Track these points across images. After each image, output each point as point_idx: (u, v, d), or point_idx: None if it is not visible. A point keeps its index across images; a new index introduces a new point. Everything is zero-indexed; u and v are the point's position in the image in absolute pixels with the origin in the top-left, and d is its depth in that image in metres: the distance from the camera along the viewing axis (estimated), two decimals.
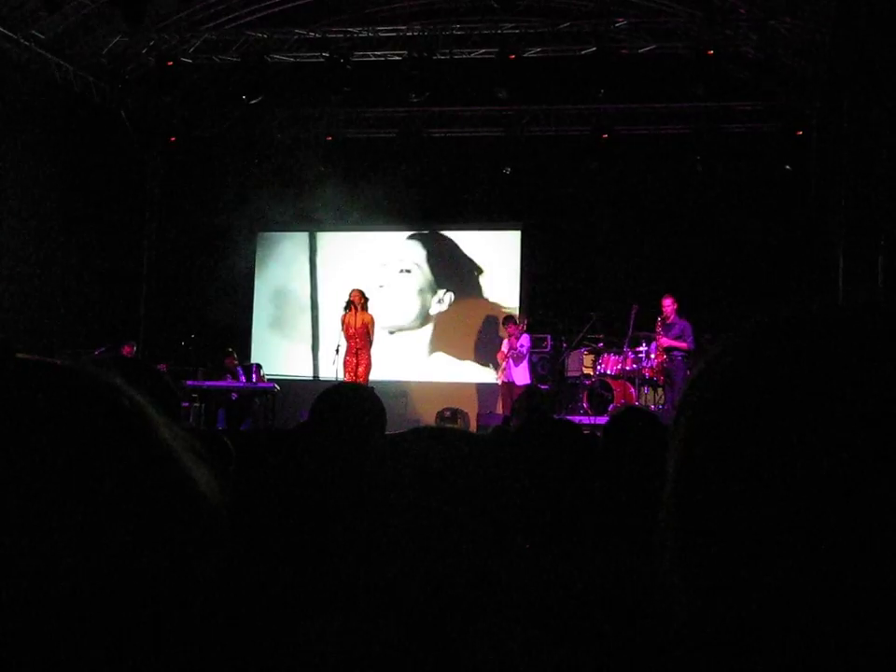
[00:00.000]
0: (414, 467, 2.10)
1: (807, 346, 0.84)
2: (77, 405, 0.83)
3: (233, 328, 19.23)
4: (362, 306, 15.86)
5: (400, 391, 18.68)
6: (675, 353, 15.33)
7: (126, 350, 16.25)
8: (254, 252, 20.09)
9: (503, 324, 17.16)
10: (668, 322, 15.39)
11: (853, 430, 0.78)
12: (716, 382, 0.88)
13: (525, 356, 16.57)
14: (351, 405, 3.20)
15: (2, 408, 0.82)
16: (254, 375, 17.36)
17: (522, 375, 16.49)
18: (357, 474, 2.78)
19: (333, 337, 19.16)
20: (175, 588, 0.83)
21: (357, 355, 15.74)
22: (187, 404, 15.22)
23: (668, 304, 15.39)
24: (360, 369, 15.73)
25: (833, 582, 0.78)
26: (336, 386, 3.75)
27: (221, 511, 0.88)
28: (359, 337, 15.73)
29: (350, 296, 15.97)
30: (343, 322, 15.96)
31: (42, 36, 15.79)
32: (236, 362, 17.43)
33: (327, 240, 20.16)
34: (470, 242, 19.48)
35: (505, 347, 16.80)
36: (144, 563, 0.81)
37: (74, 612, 0.77)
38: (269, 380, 17.50)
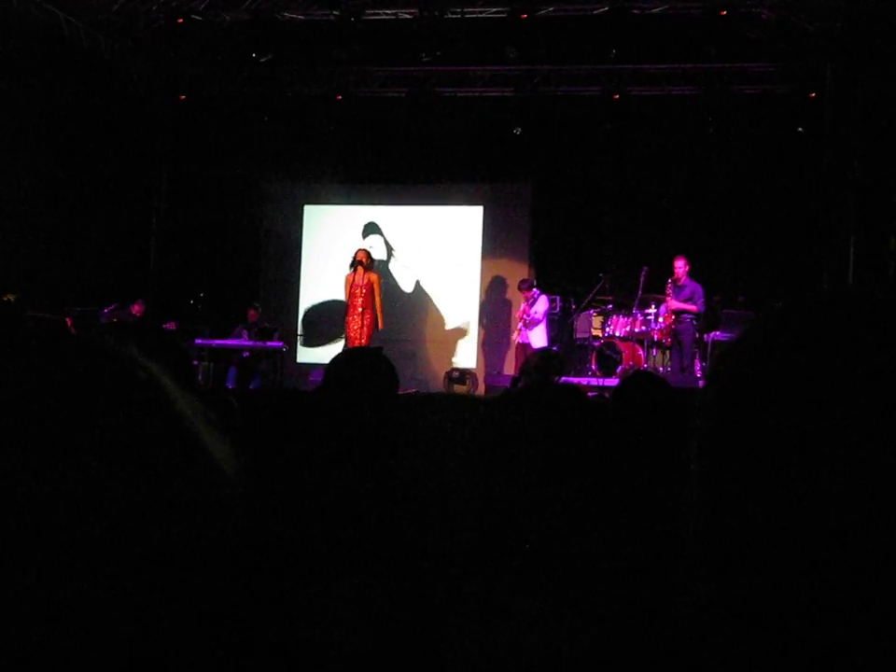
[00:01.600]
0: (428, 431, 2.10)
1: (838, 326, 0.84)
2: (93, 377, 0.83)
3: (243, 283, 19.27)
4: (367, 266, 15.87)
5: (408, 352, 18.69)
6: (684, 315, 15.31)
7: (135, 308, 16.29)
8: (260, 207, 20.04)
9: (518, 287, 17.14)
10: (679, 284, 15.37)
11: (886, 410, 0.78)
12: (746, 358, 0.88)
13: (539, 321, 16.57)
14: (364, 369, 3.21)
15: (16, 377, 0.83)
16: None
17: (539, 338, 16.51)
18: (373, 438, 2.79)
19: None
20: (194, 557, 0.83)
21: (362, 315, 15.76)
22: (196, 363, 15.24)
23: (680, 266, 15.36)
24: (365, 329, 15.75)
25: (865, 566, 0.78)
26: (349, 351, 3.76)
27: (238, 481, 0.89)
28: (364, 296, 15.75)
29: (356, 255, 15.98)
30: (347, 282, 15.97)
31: None
32: (257, 316, 17.42)
33: (329, 196, 20.08)
34: (480, 200, 19.41)
35: (520, 309, 16.83)
36: (162, 534, 0.81)
37: (94, 585, 0.78)
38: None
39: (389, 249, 19.66)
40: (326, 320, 18.88)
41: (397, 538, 2.06)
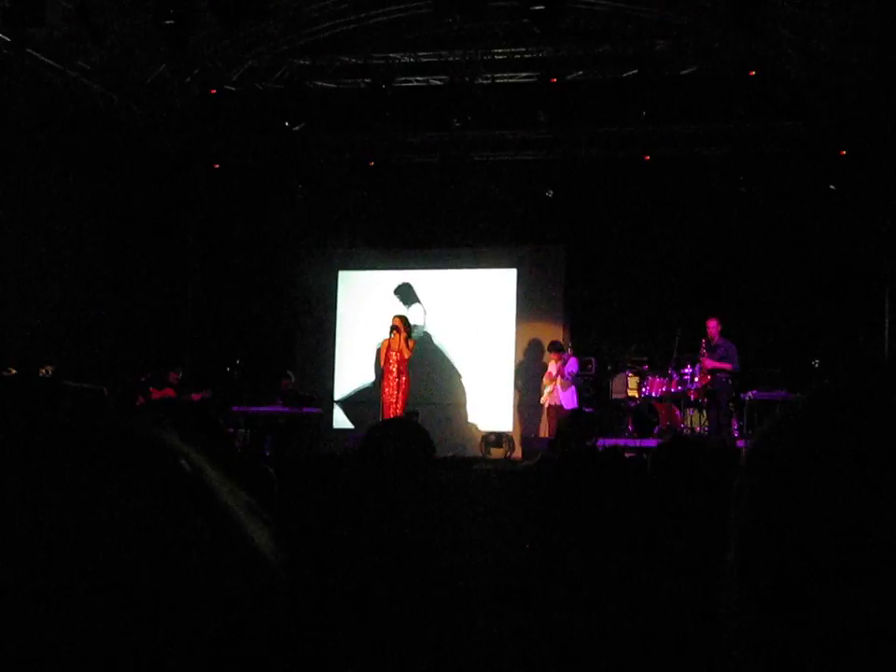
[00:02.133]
0: (465, 504, 2.11)
1: (870, 413, 0.84)
2: (137, 469, 0.84)
3: (279, 349, 19.32)
4: (404, 331, 15.95)
5: (445, 415, 18.69)
6: (719, 374, 15.28)
7: (172, 376, 16.32)
8: (295, 274, 20.13)
9: (549, 349, 17.15)
10: (713, 343, 15.36)
11: None
12: (781, 448, 0.88)
13: (572, 381, 16.57)
14: (400, 441, 3.21)
15: (55, 468, 0.83)
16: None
17: (569, 399, 16.50)
18: (410, 511, 2.79)
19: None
20: (238, 650, 0.83)
21: (397, 379, 15.82)
22: (232, 430, 15.25)
23: (713, 326, 15.37)
24: (401, 394, 15.81)
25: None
26: (386, 422, 3.77)
27: (282, 572, 0.89)
28: (400, 362, 15.83)
29: (393, 321, 16.07)
30: (384, 346, 16.05)
31: (87, 67, 15.95)
32: (291, 384, 17.44)
33: (363, 261, 20.16)
34: (513, 263, 19.44)
35: (553, 370, 16.80)
36: (208, 627, 0.81)
37: None
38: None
39: (424, 313, 19.68)
40: (361, 385, 18.88)
41: (435, 615, 2.06)
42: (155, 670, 0.78)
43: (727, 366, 15.23)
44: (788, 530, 0.84)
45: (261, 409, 16.65)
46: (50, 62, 15.46)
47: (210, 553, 0.83)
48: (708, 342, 15.41)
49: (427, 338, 19.22)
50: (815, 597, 0.81)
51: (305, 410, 16.90)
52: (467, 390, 19.22)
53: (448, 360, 19.48)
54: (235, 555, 0.85)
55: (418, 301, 19.73)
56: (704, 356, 15.40)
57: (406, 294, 19.74)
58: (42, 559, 0.78)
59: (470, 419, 18.90)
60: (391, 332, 16.00)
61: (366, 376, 18.63)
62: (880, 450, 0.81)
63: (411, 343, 16.00)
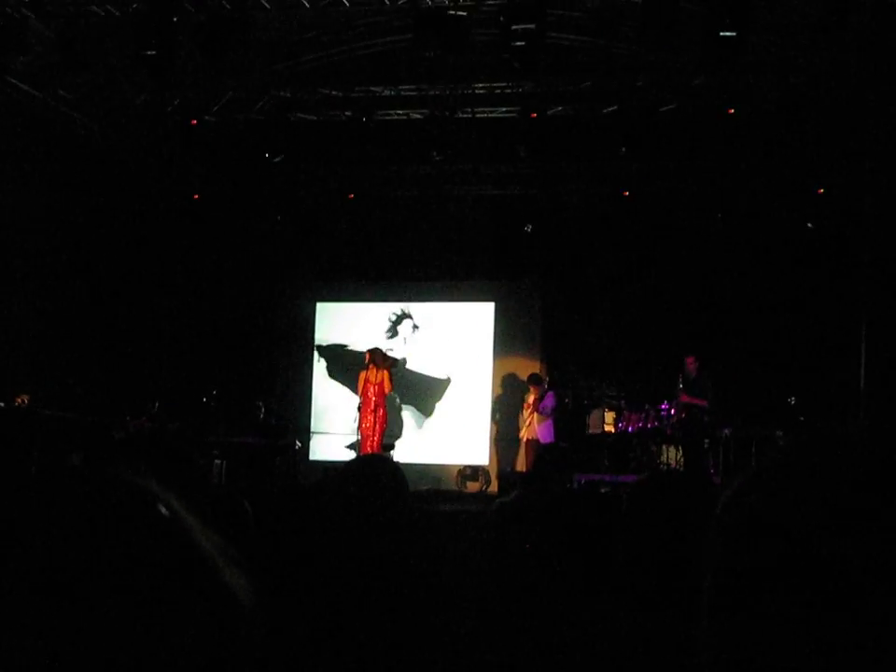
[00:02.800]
0: (437, 543, 2.11)
1: (839, 470, 0.85)
2: (116, 515, 0.84)
3: (255, 380, 19.28)
4: (380, 364, 15.99)
5: (421, 448, 18.69)
6: (694, 410, 15.36)
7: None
8: (273, 305, 20.14)
9: (527, 382, 17.19)
10: (690, 379, 15.44)
11: (890, 554, 0.79)
12: (750, 504, 0.88)
13: (549, 415, 16.60)
14: (373, 479, 3.21)
15: (32, 512, 0.82)
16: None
17: (546, 433, 16.52)
18: (381, 547, 2.79)
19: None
20: None
21: (374, 411, 15.84)
22: (207, 461, 15.18)
23: (690, 363, 15.49)
24: (378, 426, 15.83)
25: None
26: (359, 460, 3.77)
27: (258, 617, 0.89)
28: (377, 394, 15.86)
29: (365, 357, 16.15)
30: (361, 379, 16.08)
31: (68, 96, 15.94)
32: (261, 415, 17.42)
33: (341, 293, 20.18)
34: (491, 297, 19.47)
35: (531, 403, 16.83)
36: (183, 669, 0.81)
37: None
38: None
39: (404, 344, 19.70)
40: (339, 417, 18.84)
41: (410, 650, 2.06)
42: None
43: (702, 402, 15.31)
44: (759, 581, 0.84)
45: (237, 440, 16.59)
46: (31, 90, 15.46)
47: (186, 597, 0.83)
48: (686, 377, 15.48)
49: (404, 371, 19.20)
50: (783, 644, 0.82)
51: (281, 442, 16.87)
52: (443, 423, 19.19)
53: (425, 393, 19.46)
54: (211, 600, 0.85)
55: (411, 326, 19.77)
56: (681, 391, 15.47)
57: (396, 325, 19.76)
58: (16, 598, 0.78)
59: (447, 452, 18.87)
60: (366, 365, 16.04)
61: (344, 408, 18.60)
62: (856, 504, 0.82)
63: (385, 374, 16.02)
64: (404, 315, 19.72)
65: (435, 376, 19.46)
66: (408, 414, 19.26)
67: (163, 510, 0.87)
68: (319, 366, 20.01)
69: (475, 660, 2.03)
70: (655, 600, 2.54)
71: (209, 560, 0.87)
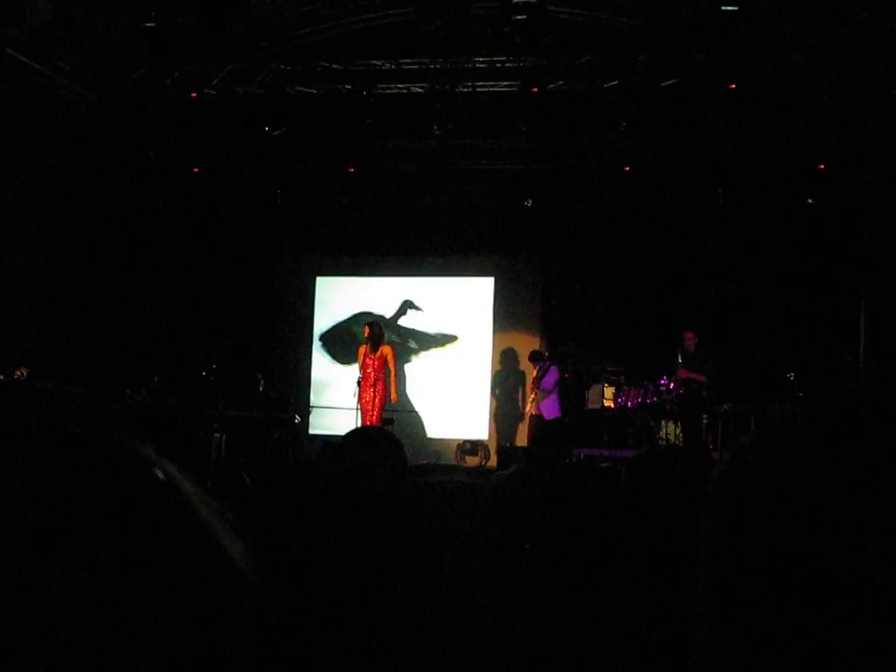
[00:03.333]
0: (437, 512, 2.11)
1: (837, 437, 0.84)
2: (112, 479, 0.83)
3: (255, 354, 19.28)
4: (378, 338, 15.97)
5: (420, 423, 18.75)
6: (693, 385, 15.38)
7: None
8: (273, 280, 20.14)
9: (529, 358, 17.20)
10: (690, 353, 15.48)
11: (886, 520, 0.79)
12: (748, 472, 0.88)
13: (552, 390, 16.62)
14: (373, 451, 3.21)
15: (26, 477, 0.82)
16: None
17: (550, 408, 16.55)
18: (381, 519, 2.79)
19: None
20: (211, 660, 0.83)
21: (374, 386, 15.83)
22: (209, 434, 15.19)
23: (690, 338, 15.51)
24: (377, 401, 15.82)
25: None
26: (358, 432, 3.77)
27: (255, 582, 0.88)
28: (376, 369, 15.84)
29: (363, 331, 16.13)
30: (360, 353, 16.07)
31: (67, 68, 15.89)
32: (260, 388, 17.45)
33: (341, 268, 20.17)
34: (491, 272, 19.46)
35: (533, 380, 16.88)
36: (181, 636, 0.81)
37: None
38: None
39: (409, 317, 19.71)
40: (338, 391, 18.85)
41: (403, 619, 2.06)
42: None
43: (700, 377, 15.34)
44: (755, 550, 0.84)
45: (236, 413, 16.60)
46: (30, 62, 15.40)
47: (184, 562, 0.83)
48: (685, 353, 15.51)
49: (405, 345, 19.22)
50: (779, 614, 0.82)
51: (280, 416, 16.88)
52: (443, 398, 19.21)
53: (424, 368, 19.48)
54: (209, 565, 0.85)
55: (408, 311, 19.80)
56: (679, 366, 15.50)
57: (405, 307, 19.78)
58: (14, 567, 0.77)
59: (446, 427, 18.89)
60: (366, 340, 16.04)
61: (344, 382, 18.62)
62: (853, 470, 0.82)
63: (387, 349, 16.02)
64: (408, 305, 19.74)
65: (445, 331, 19.52)
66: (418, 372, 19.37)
67: (160, 474, 0.86)
68: (319, 341, 20.02)
69: (473, 631, 2.03)
70: (654, 572, 2.54)
71: (206, 525, 0.86)
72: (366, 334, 16.03)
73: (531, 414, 16.94)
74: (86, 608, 0.78)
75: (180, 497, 0.86)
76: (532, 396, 16.93)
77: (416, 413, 18.93)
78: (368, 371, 15.86)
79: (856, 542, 0.79)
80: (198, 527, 0.86)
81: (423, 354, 19.51)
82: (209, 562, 0.85)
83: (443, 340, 19.51)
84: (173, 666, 0.81)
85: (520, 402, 18.54)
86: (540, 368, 16.79)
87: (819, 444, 0.85)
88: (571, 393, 17.46)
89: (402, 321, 19.63)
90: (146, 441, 0.90)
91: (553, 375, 16.72)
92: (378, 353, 15.87)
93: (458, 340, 19.40)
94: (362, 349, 16.07)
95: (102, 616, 0.78)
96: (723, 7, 12.32)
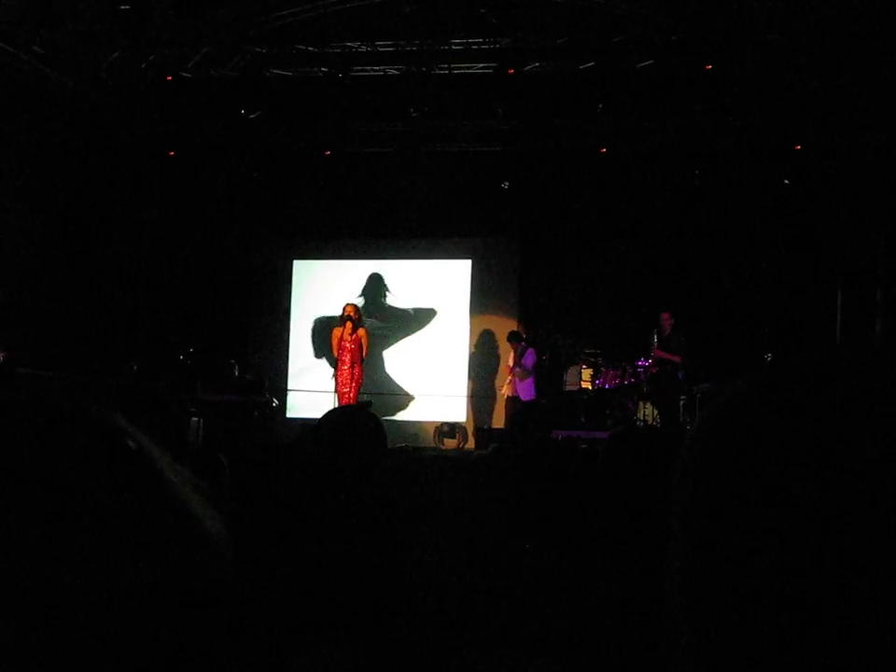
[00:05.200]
0: (417, 490, 2.10)
1: (808, 398, 0.84)
2: (80, 449, 0.83)
3: (232, 338, 19.26)
4: (356, 321, 15.96)
5: (398, 405, 18.77)
6: (667, 366, 15.45)
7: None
8: (249, 263, 20.10)
9: (507, 339, 17.22)
10: (664, 335, 15.52)
11: (855, 483, 0.79)
12: (721, 433, 0.88)
13: (530, 372, 16.65)
14: (352, 429, 3.21)
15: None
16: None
17: (527, 390, 16.58)
18: (361, 496, 2.79)
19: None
20: (183, 627, 0.83)
21: (351, 369, 15.83)
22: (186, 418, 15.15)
23: (666, 319, 15.55)
24: (353, 383, 15.83)
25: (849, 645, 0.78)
26: (337, 410, 3.77)
27: (228, 551, 0.88)
28: (354, 352, 15.84)
29: (344, 310, 16.08)
30: (335, 337, 16.05)
31: (42, 51, 15.80)
32: (236, 372, 17.44)
33: (317, 251, 20.15)
34: (468, 254, 19.47)
35: (511, 362, 16.91)
36: (151, 607, 0.81)
37: (80, 662, 0.77)
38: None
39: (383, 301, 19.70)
40: (316, 374, 18.83)
41: (384, 598, 2.06)
42: (99, 647, 0.78)
43: (675, 358, 15.40)
44: (729, 514, 0.84)
45: (212, 397, 16.58)
46: (5, 46, 15.31)
47: (155, 531, 0.83)
48: (661, 333, 15.56)
49: (382, 327, 19.21)
50: (757, 584, 0.82)
51: (257, 399, 16.88)
52: (420, 381, 19.22)
53: (401, 350, 19.49)
54: (181, 534, 0.84)
55: (383, 292, 19.77)
56: (654, 346, 15.56)
57: (377, 284, 19.75)
58: None
59: (424, 410, 18.90)
60: (342, 322, 16.01)
61: (321, 365, 18.60)
62: (823, 434, 0.82)
63: (362, 332, 16.02)
64: (375, 280, 19.73)
65: (421, 306, 19.53)
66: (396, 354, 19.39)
67: (131, 443, 0.86)
68: (296, 323, 20.00)
69: (458, 603, 2.03)
70: (630, 544, 2.55)
71: (178, 493, 0.86)
72: (349, 313, 15.99)
73: (507, 396, 16.98)
74: (57, 577, 0.77)
75: (151, 466, 0.86)
76: (508, 378, 16.95)
77: (393, 395, 18.93)
78: (345, 352, 15.86)
79: (826, 504, 0.79)
80: (169, 496, 0.85)
81: (401, 336, 19.50)
82: (180, 530, 0.85)
83: (423, 317, 19.51)
84: (144, 631, 0.80)
85: (496, 384, 18.56)
86: (518, 349, 16.81)
87: (787, 408, 0.85)
88: (549, 375, 17.50)
89: (380, 302, 19.61)
90: (116, 412, 0.90)
91: (529, 357, 16.75)
92: (355, 335, 15.87)
93: (437, 315, 19.39)
94: (337, 332, 16.06)
95: (73, 585, 0.78)
96: None
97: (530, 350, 16.87)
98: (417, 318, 19.52)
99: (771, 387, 0.88)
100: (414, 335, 19.48)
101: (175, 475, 0.88)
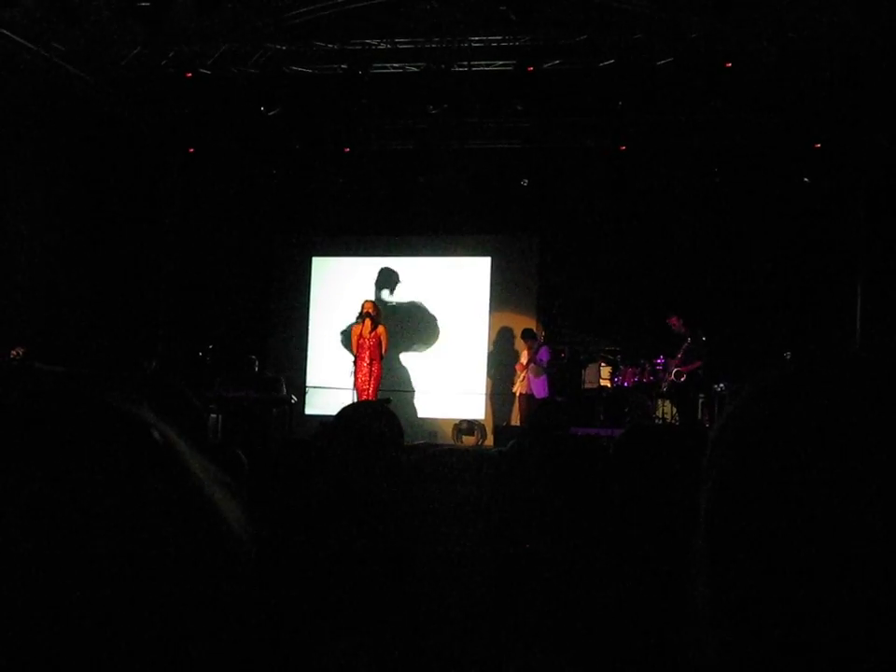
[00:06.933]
0: (435, 485, 2.11)
1: (834, 392, 0.85)
2: (109, 440, 0.84)
3: (251, 335, 19.29)
4: (375, 318, 15.96)
5: (417, 402, 18.77)
6: (687, 368, 15.46)
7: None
8: (269, 259, 20.13)
9: (522, 337, 17.22)
10: (680, 335, 15.56)
11: (882, 475, 0.79)
12: (749, 425, 0.88)
13: (544, 369, 16.64)
14: (369, 423, 3.22)
15: (26, 438, 0.82)
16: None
17: (541, 387, 16.56)
18: (377, 492, 2.80)
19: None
20: (207, 619, 0.84)
21: (370, 366, 15.83)
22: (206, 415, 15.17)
23: (675, 323, 15.61)
24: (373, 380, 15.83)
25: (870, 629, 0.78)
26: (355, 405, 3.78)
27: (251, 545, 0.89)
28: (373, 348, 15.84)
29: (363, 307, 16.08)
30: (354, 333, 16.06)
31: (62, 48, 15.83)
32: (256, 369, 17.45)
33: (337, 248, 20.15)
34: (488, 251, 19.46)
35: (524, 359, 16.88)
36: (176, 598, 0.81)
37: (105, 655, 0.78)
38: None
39: (395, 296, 19.69)
40: (334, 371, 18.84)
41: (402, 593, 2.07)
42: (124, 634, 0.79)
43: (695, 365, 15.43)
44: (757, 510, 0.84)
45: (233, 393, 16.60)
46: (25, 42, 15.35)
47: (180, 521, 0.84)
48: (674, 337, 15.62)
49: (401, 324, 19.20)
50: (784, 579, 0.82)
51: (277, 396, 16.89)
52: (439, 378, 19.21)
53: (421, 347, 19.48)
54: (204, 525, 0.85)
55: (394, 286, 19.76)
56: (674, 362, 15.60)
57: (387, 278, 19.76)
58: (16, 528, 0.78)
59: (443, 407, 18.90)
60: (361, 319, 16.01)
61: (340, 362, 18.60)
62: (848, 432, 0.82)
63: (381, 329, 16.01)
64: (386, 274, 19.74)
65: (437, 306, 19.55)
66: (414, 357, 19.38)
67: (157, 435, 0.87)
68: (315, 320, 20.01)
69: (474, 602, 2.04)
70: (649, 538, 2.55)
71: (202, 485, 0.87)
72: (368, 310, 15.99)
73: (521, 394, 16.97)
74: (86, 564, 0.78)
75: (176, 458, 0.87)
76: (522, 375, 16.94)
77: (412, 392, 18.94)
78: (364, 349, 15.86)
79: (848, 504, 0.80)
80: (193, 487, 0.86)
81: (416, 336, 19.49)
82: (203, 520, 0.86)
83: (430, 332, 19.52)
84: (167, 623, 0.81)
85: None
86: (533, 346, 16.80)
87: (822, 395, 0.86)
88: (567, 373, 17.49)
89: (395, 300, 19.62)
90: (142, 405, 0.91)
91: (543, 354, 16.75)
92: (374, 332, 15.87)
93: (440, 335, 19.41)
94: (357, 329, 16.06)
95: (101, 572, 0.79)
96: None
97: (544, 347, 16.86)
98: (428, 318, 19.51)
99: (793, 385, 0.89)
100: (431, 334, 19.48)
101: (200, 469, 0.89)
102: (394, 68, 17.06)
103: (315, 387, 19.42)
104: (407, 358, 19.27)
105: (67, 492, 0.80)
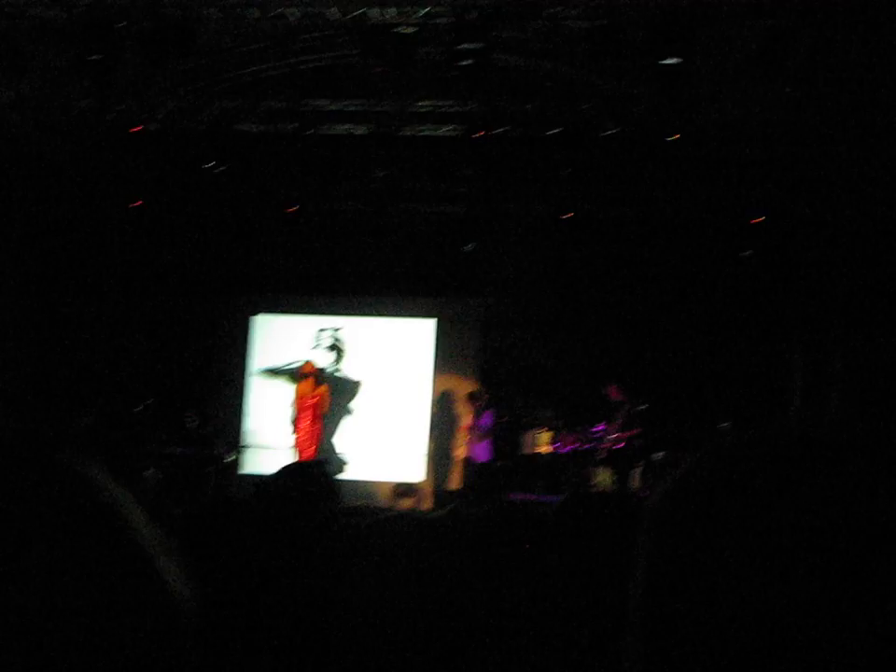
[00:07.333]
0: (370, 550, 2.11)
1: (765, 468, 0.86)
2: (55, 502, 0.84)
3: (188, 392, 19.14)
4: (317, 377, 15.94)
5: (356, 463, 18.67)
6: (626, 435, 15.55)
7: None
8: (209, 317, 20.00)
9: (467, 399, 17.22)
10: (615, 403, 15.69)
11: (811, 547, 0.81)
12: (681, 504, 0.90)
13: (486, 433, 16.63)
14: (303, 485, 3.21)
15: None
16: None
17: (483, 451, 16.55)
18: (310, 554, 2.79)
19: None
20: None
21: (312, 424, 15.79)
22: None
23: (613, 392, 15.74)
24: (313, 439, 15.80)
25: None
26: (289, 467, 3.77)
27: (192, 607, 0.89)
28: (315, 407, 15.81)
29: (304, 367, 16.07)
30: (296, 393, 16.01)
31: (7, 97, 15.75)
32: (195, 425, 17.33)
33: (281, 306, 20.10)
34: (433, 313, 19.46)
35: (466, 423, 16.88)
36: (118, 662, 0.81)
37: None
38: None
39: (340, 357, 19.61)
40: (274, 430, 18.71)
41: (339, 653, 2.06)
42: None
43: (633, 432, 15.54)
44: (691, 585, 0.85)
45: (170, 450, 16.47)
46: None
47: (122, 586, 0.83)
48: (612, 405, 15.75)
49: (341, 385, 19.13)
50: (714, 648, 0.83)
51: (215, 453, 16.78)
52: (379, 439, 19.13)
53: (361, 408, 19.40)
54: (146, 589, 0.85)
55: (339, 348, 19.69)
56: (613, 427, 15.71)
57: (328, 338, 19.69)
58: None
59: (381, 469, 18.80)
60: (301, 378, 15.98)
61: (280, 421, 18.48)
62: (778, 505, 0.84)
63: (323, 388, 15.98)
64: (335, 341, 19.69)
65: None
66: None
67: (105, 497, 0.87)
68: (255, 379, 19.89)
69: (402, 664, 2.04)
70: (586, 607, 2.56)
71: (148, 553, 0.87)
72: (309, 370, 15.95)
73: (462, 457, 16.96)
74: (25, 622, 0.78)
75: (123, 522, 0.87)
76: (466, 438, 16.93)
77: (350, 453, 18.84)
78: (305, 409, 15.81)
79: (786, 562, 0.82)
80: (135, 550, 0.86)
81: (356, 396, 19.42)
82: (146, 582, 0.86)
83: (369, 393, 19.45)
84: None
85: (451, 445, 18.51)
86: (477, 409, 16.80)
87: (754, 470, 0.87)
88: (507, 437, 17.49)
89: (335, 366, 19.55)
90: (93, 463, 0.91)
91: (486, 419, 16.75)
92: (317, 391, 15.85)
93: (379, 396, 19.33)
94: (301, 386, 16.01)
95: (40, 628, 0.78)
96: (664, 61, 12.44)
97: (487, 412, 16.87)
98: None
99: (728, 459, 0.90)
100: (373, 393, 19.41)
101: (146, 532, 0.88)
102: (342, 129, 17.12)
103: (253, 446, 19.27)
104: (347, 419, 19.17)
105: (12, 549, 0.80)
